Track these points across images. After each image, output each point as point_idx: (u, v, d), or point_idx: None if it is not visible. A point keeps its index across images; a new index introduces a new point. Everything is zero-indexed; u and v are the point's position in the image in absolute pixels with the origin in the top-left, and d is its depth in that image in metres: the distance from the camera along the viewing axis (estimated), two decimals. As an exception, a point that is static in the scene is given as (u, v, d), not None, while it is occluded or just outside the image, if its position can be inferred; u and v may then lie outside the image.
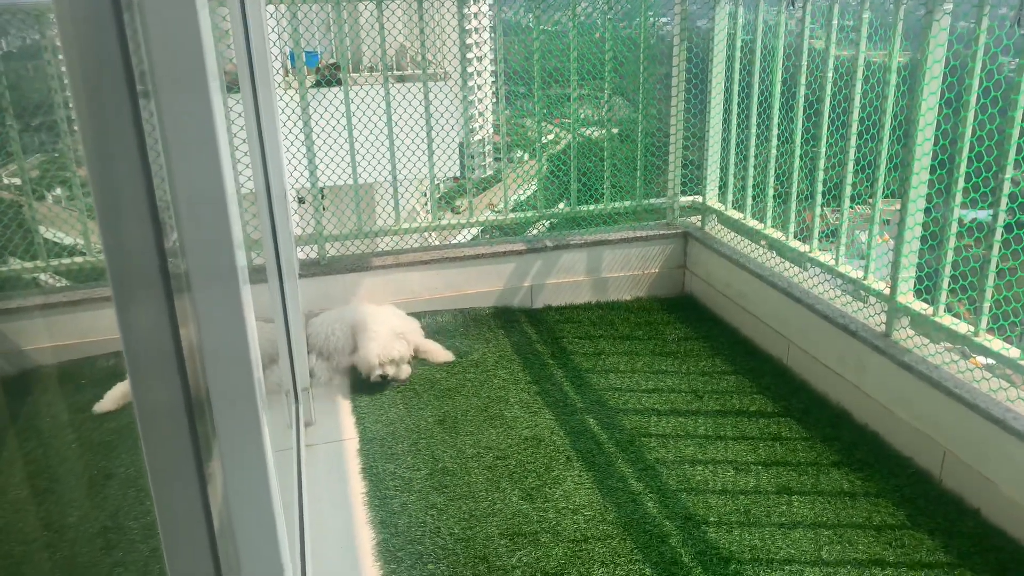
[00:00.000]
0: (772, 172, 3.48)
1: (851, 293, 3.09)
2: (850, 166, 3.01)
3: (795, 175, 3.32)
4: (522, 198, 4.27)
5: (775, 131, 3.42)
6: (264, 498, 1.11)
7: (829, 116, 3.09)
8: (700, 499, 2.53)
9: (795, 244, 3.38)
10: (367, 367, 3.22)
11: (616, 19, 3.86)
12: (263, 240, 2.63)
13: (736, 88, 3.68)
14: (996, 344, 2.48)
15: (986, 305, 2.49)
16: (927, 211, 2.73)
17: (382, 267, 3.78)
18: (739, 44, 3.65)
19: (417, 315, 3.74)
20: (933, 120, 2.64)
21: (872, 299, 2.95)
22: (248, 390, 1.06)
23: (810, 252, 3.27)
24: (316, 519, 2.51)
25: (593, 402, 3.11)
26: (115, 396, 2.71)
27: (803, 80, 3.22)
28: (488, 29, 5.01)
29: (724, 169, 3.88)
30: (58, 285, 3.46)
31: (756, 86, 3.51)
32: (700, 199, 4.05)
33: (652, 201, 4.13)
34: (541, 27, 3.79)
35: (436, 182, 4.00)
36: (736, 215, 3.79)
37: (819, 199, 3.20)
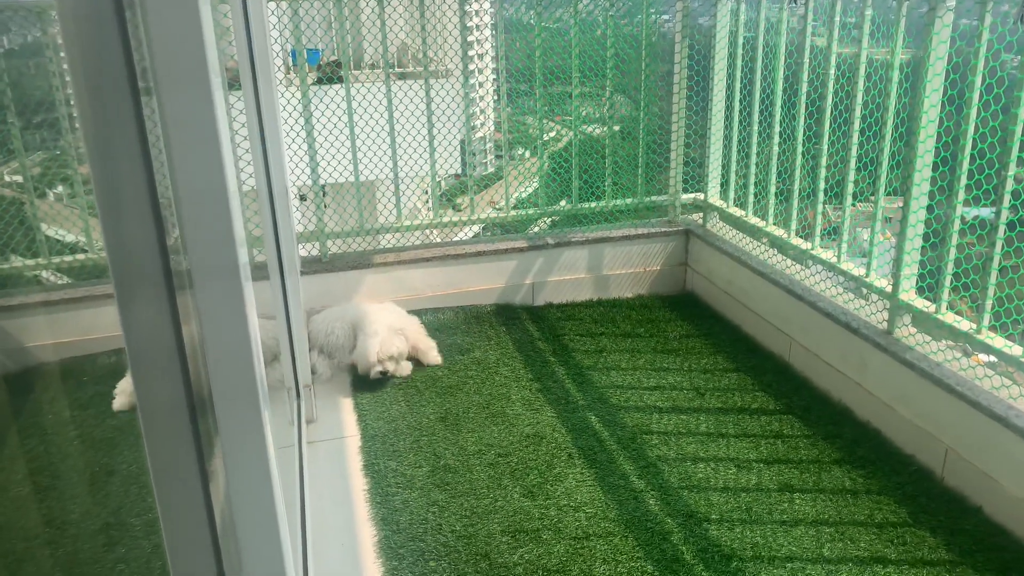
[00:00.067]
0: (774, 169, 3.47)
1: (853, 290, 3.08)
2: (852, 163, 3.00)
3: (797, 172, 3.31)
4: (524, 195, 4.27)
5: (777, 128, 3.42)
6: (266, 495, 1.11)
7: (831, 113, 3.08)
8: (702, 496, 2.53)
9: (797, 241, 3.37)
10: (366, 364, 3.22)
11: (618, 16, 3.85)
12: (265, 237, 2.63)
13: (738, 85, 3.68)
14: (998, 342, 2.48)
15: (988, 303, 2.49)
16: (929, 209, 2.72)
17: (383, 264, 3.78)
18: (741, 41, 3.64)
19: (419, 312, 3.74)
20: (935, 117, 2.64)
21: (874, 296, 2.95)
22: (250, 387, 1.06)
23: (812, 250, 3.27)
24: (318, 516, 2.51)
25: (595, 399, 3.11)
26: (128, 392, 2.71)
27: (805, 77, 3.21)
28: (489, 26, 5.01)
29: (726, 166, 3.88)
30: (60, 282, 3.46)
31: (758, 83, 3.51)
32: (702, 196, 4.05)
33: (654, 198, 4.13)
34: (543, 24, 3.79)
35: (437, 179, 4.00)
36: (738, 212, 3.79)
37: (821, 196, 3.20)
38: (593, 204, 4.08)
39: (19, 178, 3.28)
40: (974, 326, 2.55)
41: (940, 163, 2.65)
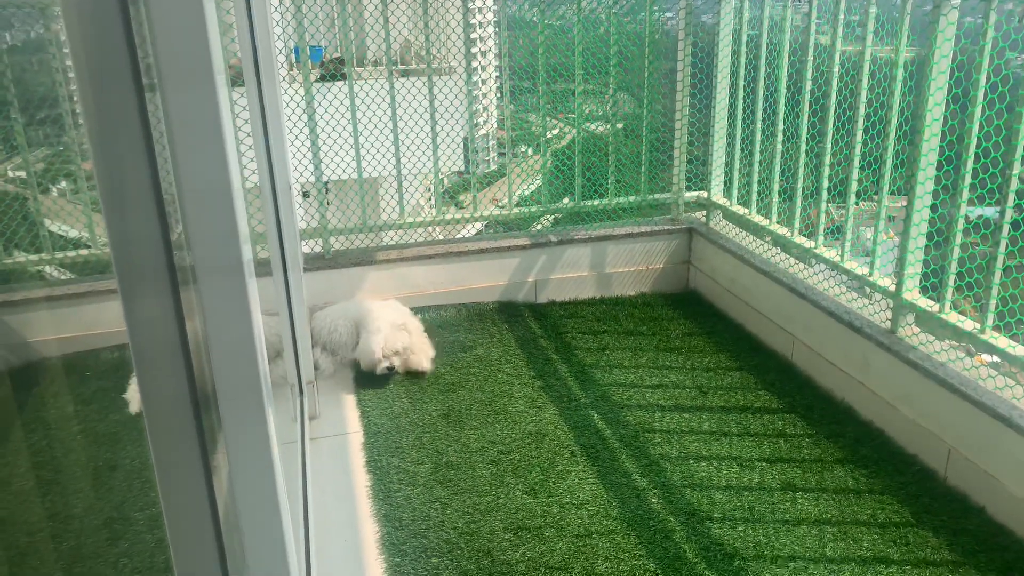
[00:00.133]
0: (777, 168, 3.47)
1: (856, 290, 3.08)
2: (856, 162, 3.00)
3: (800, 171, 3.31)
4: (526, 193, 4.27)
5: (780, 127, 3.41)
6: (269, 491, 1.12)
7: (835, 112, 3.08)
8: (704, 495, 2.53)
9: (800, 240, 3.37)
10: (372, 360, 3.22)
11: (621, 14, 3.85)
12: (268, 233, 2.63)
13: (741, 83, 3.67)
14: (1002, 342, 2.47)
15: (992, 302, 2.48)
16: (933, 208, 2.71)
17: (386, 261, 3.78)
18: (744, 39, 3.63)
19: (421, 310, 3.74)
20: (940, 116, 2.63)
21: (877, 296, 2.94)
22: (254, 383, 1.06)
23: (815, 248, 3.26)
24: (320, 512, 2.51)
25: (597, 397, 3.11)
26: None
27: (809, 76, 3.21)
28: (492, 23, 5.00)
29: (729, 165, 3.87)
30: (63, 278, 3.47)
31: (761, 81, 3.50)
32: (705, 195, 4.04)
33: (657, 196, 4.12)
34: (546, 21, 3.78)
35: (440, 176, 4.00)
36: (741, 211, 3.78)
37: (824, 195, 3.19)
38: (596, 202, 4.08)
39: (22, 174, 3.29)
40: (978, 326, 2.54)
41: (944, 162, 2.64)
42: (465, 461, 2.73)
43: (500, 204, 4.16)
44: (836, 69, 3.04)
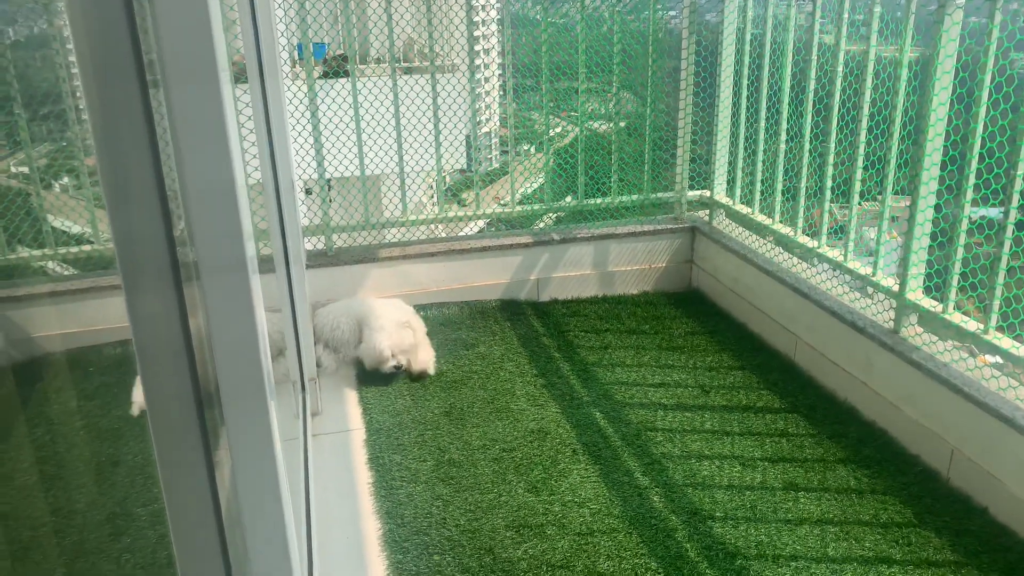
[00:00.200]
0: (781, 167, 3.46)
1: (859, 289, 3.07)
2: (859, 162, 2.99)
3: (804, 170, 3.30)
4: (529, 191, 4.27)
5: (784, 126, 3.41)
6: (271, 486, 1.12)
7: (839, 111, 3.07)
8: (706, 494, 2.53)
9: (803, 239, 3.36)
10: (380, 358, 3.21)
11: (624, 12, 3.84)
12: (271, 230, 2.63)
13: (745, 83, 3.66)
14: (1005, 342, 2.47)
15: (996, 303, 2.47)
16: (937, 208, 2.71)
17: (389, 259, 3.78)
18: (748, 38, 3.63)
19: (423, 307, 3.74)
20: (944, 116, 2.62)
21: (880, 296, 2.94)
22: (256, 379, 1.06)
23: (818, 248, 3.26)
24: (322, 509, 2.52)
25: (599, 396, 3.11)
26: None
27: (813, 75, 3.20)
28: (496, 21, 5.00)
29: (732, 164, 3.87)
30: (66, 273, 3.47)
31: (765, 81, 3.49)
32: (708, 194, 4.03)
33: (660, 195, 4.12)
34: (549, 20, 3.78)
35: (443, 174, 4.00)
36: (744, 210, 3.78)
37: (828, 195, 3.19)
38: (599, 200, 4.08)
39: (25, 169, 3.29)
40: (981, 326, 2.54)
41: (948, 162, 2.63)
42: (467, 459, 2.73)
43: (503, 202, 4.16)
44: (840, 68, 3.03)
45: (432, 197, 5.07)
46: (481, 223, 4.34)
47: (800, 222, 3.38)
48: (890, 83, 2.82)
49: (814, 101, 3.21)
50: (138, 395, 2.57)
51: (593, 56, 3.86)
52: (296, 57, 4.38)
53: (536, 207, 4.08)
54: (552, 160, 4.04)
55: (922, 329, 2.80)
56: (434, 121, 3.80)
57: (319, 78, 3.72)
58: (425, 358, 3.30)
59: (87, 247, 3.49)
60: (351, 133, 3.70)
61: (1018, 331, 2.45)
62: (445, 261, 3.85)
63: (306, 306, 2.93)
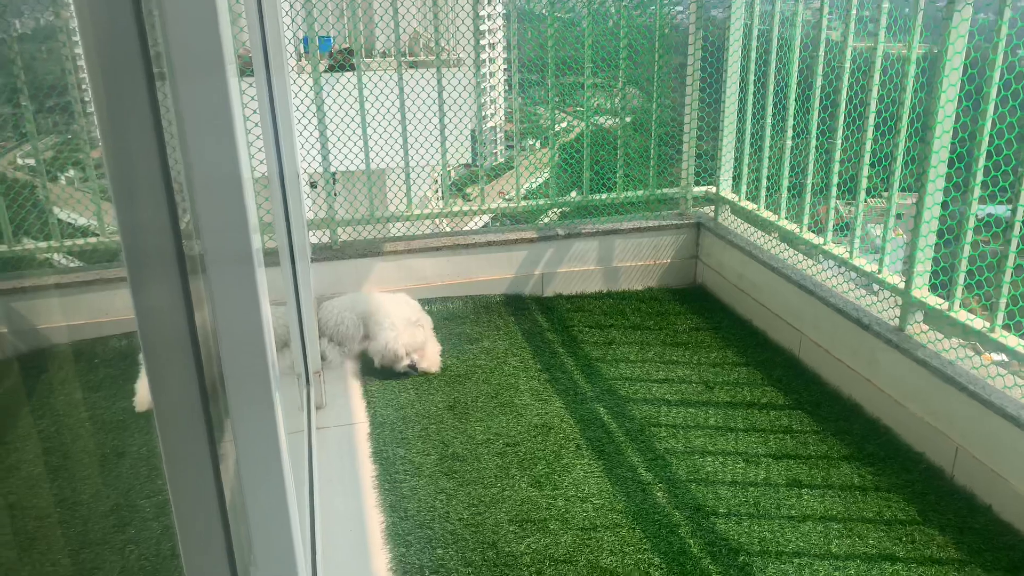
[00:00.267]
0: (787, 164, 3.45)
1: (864, 287, 3.07)
2: (866, 159, 2.98)
3: (810, 167, 3.29)
4: (534, 186, 4.26)
5: (790, 122, 3.40)
6: (276, 479, 1.12)
7: (845, 108, 3.06)
8: (710, 490, 2.53)
9: (809, 236, 3.36)
10: (393, 357, 3.21)
11: (631, 7, 3.83)
12: (275, 223, 2.64)
13: (751, 79, 3.65)
14: (1011, 340, 2.46)
15: (1002, 301, 2.47)
16: (944, 205, 2.70)
17: (393, 253, 3.79)
18: (755, 34, 3.61)
19: (428, 302, 3.74)
20: (952, 113, 2.61)
21: (886, 293, 2.93)
22: (262, 372, 1.06)
23: (824, 245, 3.25)
24: (326, 502, 2.52)
25: (603, 391, 3.11)
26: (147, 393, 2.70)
27: (820, 71, 3.19)
28: (502, 16, 4.98)
29: (738, 160, 3.86)
30: (71, 265, 3.48)
31: (772, 77, 3.48)
32: (713, 189, 4.03)
33: (665, 191, 4.11)
34: (555, 14, 3.77)
35: (448, 168, 4.00)
36: (750, 206, 3.77)
37: (834, 192, 3.18)
38: (604, 196, 4.07)
39: (31, 161, 3.30)
40: (987, 324, 2.53)
41: (956, 159, 2.62)
42: (471, 453, 2.73)
43: (507, 197, 4.16)
44: (847, 65, 3.02)
45: (437, 191, 5.07)
46: (486, 218, 4.34)
47: (806, 219, 3.37)
48: (898, 80, 2.80)
49: (821, 97, 3.20)
50: (142, 392, 2.58)
51: (599, 51, 3.84)
52: (302, 51, 4.38)
53: (541, 202, 4.08)
54: (557, 155, 4.03)
55: (928, 327, 2.79)
56: (439, 115, 3.79)
57: (324, 72, 3.72)
58: (433, 357, 3.31)
59: (93, 239, 3.50)
60: (356, 127, 3.70)
61: (1024, 329, 2.44)
62: (449, 256, 3.85)
63: (311, 299, 2.94)
